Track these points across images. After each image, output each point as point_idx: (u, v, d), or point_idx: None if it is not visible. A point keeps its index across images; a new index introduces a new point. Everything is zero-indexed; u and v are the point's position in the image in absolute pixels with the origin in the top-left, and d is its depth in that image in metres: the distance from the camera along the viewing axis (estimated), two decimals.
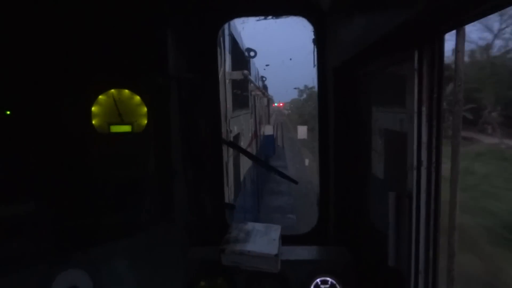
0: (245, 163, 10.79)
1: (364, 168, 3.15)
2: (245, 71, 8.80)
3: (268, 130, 24.36)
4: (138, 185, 3.09)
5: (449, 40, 1.87)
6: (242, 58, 11.38)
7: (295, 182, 4.25)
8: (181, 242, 3.29)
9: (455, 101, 1.91)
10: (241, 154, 9.36)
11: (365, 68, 3.02)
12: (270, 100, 32.98)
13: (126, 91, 3.07)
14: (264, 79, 24.85)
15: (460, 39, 1.78)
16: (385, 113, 2.75)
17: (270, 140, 23.55)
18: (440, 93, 1.93)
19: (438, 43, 1.87)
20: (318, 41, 3.74)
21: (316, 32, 3.73)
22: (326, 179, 3.78)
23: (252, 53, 12.57)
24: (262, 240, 3.00)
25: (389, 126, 2.63)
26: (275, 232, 3.17)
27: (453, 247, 2.02)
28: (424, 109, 1.96)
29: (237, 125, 9.26)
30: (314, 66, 3.84)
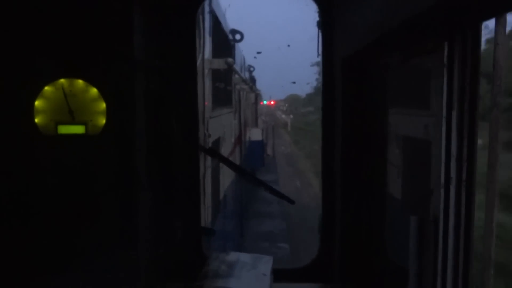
0: (226, 177, 10.79)
1: (378, 184, 3.22)
2: (229, 59, 8.83)
3: (255, 134, 24.37)
4: (92, 203, 3.08)
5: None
6: (225, 42, 11.45)
7: (292, 202, 4.31)
8: (144, 277, 3.29)
9: (492, 104, 1.97)
10: (221, 165, 9.37)
11: (381, 59, 3.11)
12: (258, 96, 33.11)
13: (80, 81, 3.07)
14: (251, 69, 25.01)
15: (501, 28, 1.86)
16: (405, 117, 2.84)
17: (257, 148, 23.56)
18: (475, 94, 2.00)
19: (473, 33, 1.95)
20: (324, 25, 3.81)
21: (322, 13, 3.81)
22: (331, 199, 3.84)
23: (237, 36, 12.68)
24: (249, 274, 3.03)
25: (410, 133, 2.71)
26: (266, 264, 3.20)
27: (488, 284, 2.08)
28: (454, 113, 2.03)
29: (217, 127, 9.25)
30: (318, 55, 3.92)
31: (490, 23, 1.88)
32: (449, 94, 2.04)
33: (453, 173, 2.06)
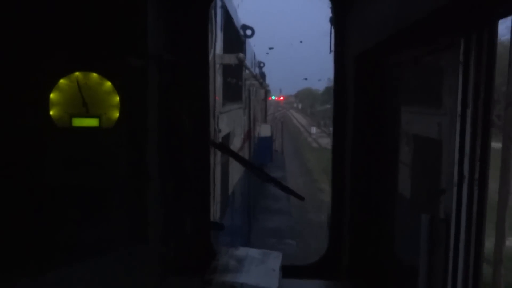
0: (235, 172, 10.80)
1: (388, 183, 3.21)
2: (240, 54, 8.81)
3: (264, 130, 24.41)
4: (104, 195, 3.11)
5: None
6: (236, 37, 11.43)
7: (301, 198, 4.31)
8: (155, 270, 3.31)
9: (507, 103, 1.96)
10: (230, 161, 9.37)
11: (395, 57, 3.09)
12: (267, 92, 33.06)
13: (94, 74, 3.09)
14: (261, 65, 24.95)
15: None
16: (418, 115, 2.82)
17: (266, 144, 23.61)
18: (490, 93, 1.99)
19: (489, 30, 1.93)
20: (337, 21, 3.80)
21: (335, 9, 3.79)
22: (340, 196, 3.83)
23: (248, 32, 12.66)
24: (258, 269, 3.04)
25: (422, 132, 2.69)
26: (275, 260, 3.21)
27: (499, 284, 2.07)
28: (469, 111, 2.02)
29: (227, 123, 9.25)
30: (330, 51, 3.91)
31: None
32: (464, 92, 2.02)
33: (466, 172, 2.05)
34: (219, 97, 7.87)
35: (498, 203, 2.04)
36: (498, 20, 1.94)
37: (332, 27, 3.85)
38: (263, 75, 26.60)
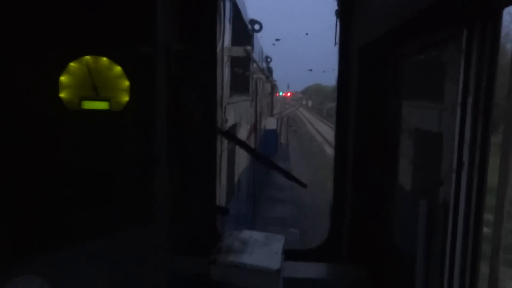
0: (241, 161, 10.83)
1: (389, 171, 3.21)
2: (248, 47, 8.78)
3: (270, 123, 24.47)
4: (112, 178, 3.12)
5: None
6: (244, 31, 11.39)
7: (304, 186, 4.32)
8: (162, 250, 3.34)
9: (509, 94, 1.94)
10: (236, 150, 9.40)
11: (399, 48, 3.07)
12: (274, 87, 32.96)
13: (104, 59, 3.09)
14: (269, 60, 24.86)
15: None
16: (419, 109, 2.80)
17: (272, 136, 23.66)
18: (492, 83, 1.96)
19: (493, 20, 1.91)
20: (342, 13, 3.79)
21: (341, 1, 3.78)
22: (342, 184, 3.84)
23: (256, 26, 12.62)
24: (261, 251, 3.06)
25: (422, 125, 2.68)
26: (278, 243, 3.23)
27: (496, 272, 2.07)
28: (470, 100, 2.00)
29: (234, 114, 9.27)
30: (335, 44, 3.89)
31: None
32: (466, 81, 2.01)
33: (465, 159, 2.03)
34: (226, 89, 7.87)
35: (497, 190, 2.03)
36: (503, 9, 1.91)
37: (337, 19, 3.83)
38: (270, 70, 26.53)
